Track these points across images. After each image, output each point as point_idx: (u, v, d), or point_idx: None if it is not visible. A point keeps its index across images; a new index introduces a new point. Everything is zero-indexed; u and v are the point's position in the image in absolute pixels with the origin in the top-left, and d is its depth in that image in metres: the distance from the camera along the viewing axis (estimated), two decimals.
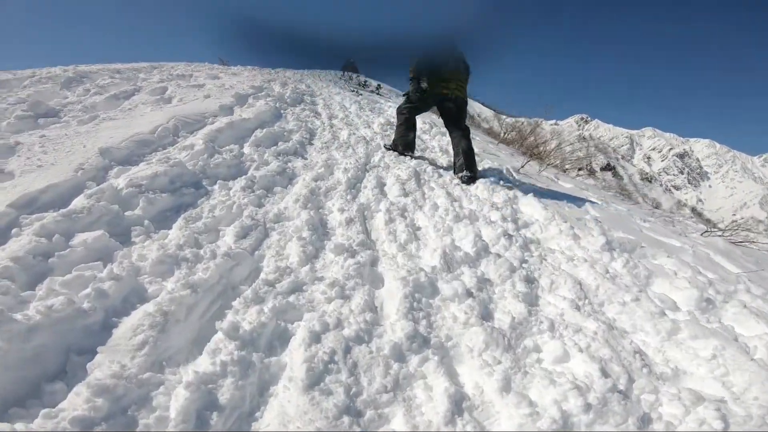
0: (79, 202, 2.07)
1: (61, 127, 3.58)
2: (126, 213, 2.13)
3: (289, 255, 2.09)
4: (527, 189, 3.72)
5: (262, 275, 1.91)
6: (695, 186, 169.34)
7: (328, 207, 2.76)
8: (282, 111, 4.91)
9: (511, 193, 3.39)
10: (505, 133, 8.92)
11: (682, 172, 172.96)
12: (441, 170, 3.78)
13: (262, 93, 5.38)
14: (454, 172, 3.68)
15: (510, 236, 2.63)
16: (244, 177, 2.91)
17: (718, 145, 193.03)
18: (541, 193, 3.70)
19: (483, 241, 2.46)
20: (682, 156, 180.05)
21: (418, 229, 2.61)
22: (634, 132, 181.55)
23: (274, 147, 3.63)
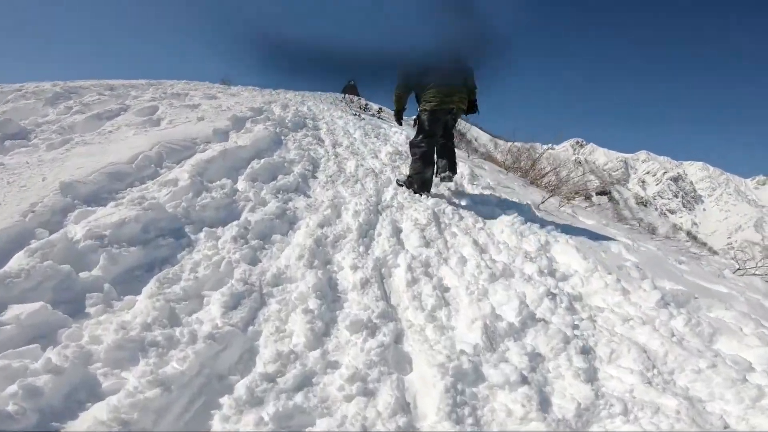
0: (17, 261, 1.60)
1: (27, 152, 3.14)
2: (81, 274, 1.65)
3: (293, 333, 1.61)
4: (554, 230, 3.32)
5: (260, 367, 1.43)
6: (690, 209, 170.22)
7: (337, 262, 2.30)
8: (282, 137, 4.48)
9: (542, 237, 2.98)
10: (514, 162, 8.58)
11: (676, 196, 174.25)
12: (461, 210, 3.34)
13: (262, 116, 4.96)
14: (437, 174, 3.53)
15: (553, 295, 2.21)
16: (236, 223, 2.44)
17: (711, 168, 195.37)
18: (570, 234, 3.29)
19: (527, 307, 2.02)
20: (676, 179, 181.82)
21: (447, 290, 2.15)
22: (628, 156, 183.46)
23: (273, 182, 3.17)
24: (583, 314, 2.16)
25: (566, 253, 2.83)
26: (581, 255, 2.74)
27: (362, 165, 4.15)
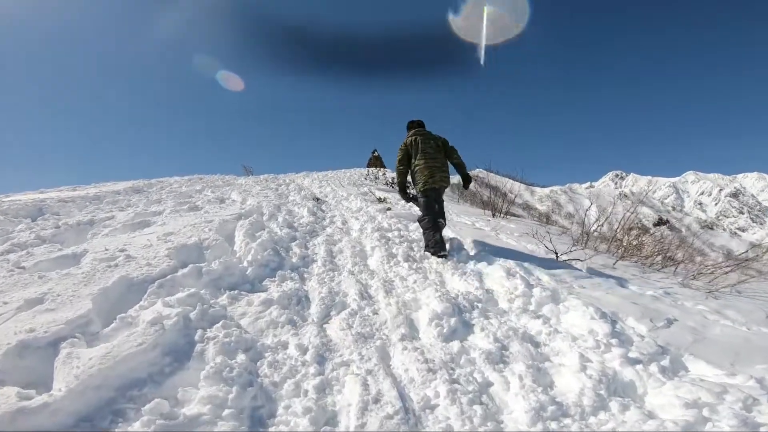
0: None
1: None
2: None
3: None
4: None
5: None
6: (761, 224, 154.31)
7: None
8: (200, 331, 1.94)
9: None
10: (569, 222, 6.02)
11: (741, 212, 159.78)
12: None
13: (187, 269, 2.53)
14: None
15: None
16: None
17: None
18: None
19: None
20: (735, 195, 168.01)
21: None
22: (675, 179, 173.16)
23: None
24: None
25: None
26: None
27: (379, 400, 1.53)
